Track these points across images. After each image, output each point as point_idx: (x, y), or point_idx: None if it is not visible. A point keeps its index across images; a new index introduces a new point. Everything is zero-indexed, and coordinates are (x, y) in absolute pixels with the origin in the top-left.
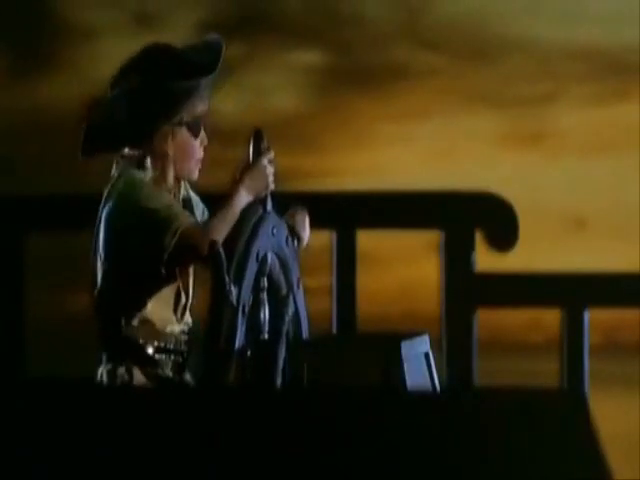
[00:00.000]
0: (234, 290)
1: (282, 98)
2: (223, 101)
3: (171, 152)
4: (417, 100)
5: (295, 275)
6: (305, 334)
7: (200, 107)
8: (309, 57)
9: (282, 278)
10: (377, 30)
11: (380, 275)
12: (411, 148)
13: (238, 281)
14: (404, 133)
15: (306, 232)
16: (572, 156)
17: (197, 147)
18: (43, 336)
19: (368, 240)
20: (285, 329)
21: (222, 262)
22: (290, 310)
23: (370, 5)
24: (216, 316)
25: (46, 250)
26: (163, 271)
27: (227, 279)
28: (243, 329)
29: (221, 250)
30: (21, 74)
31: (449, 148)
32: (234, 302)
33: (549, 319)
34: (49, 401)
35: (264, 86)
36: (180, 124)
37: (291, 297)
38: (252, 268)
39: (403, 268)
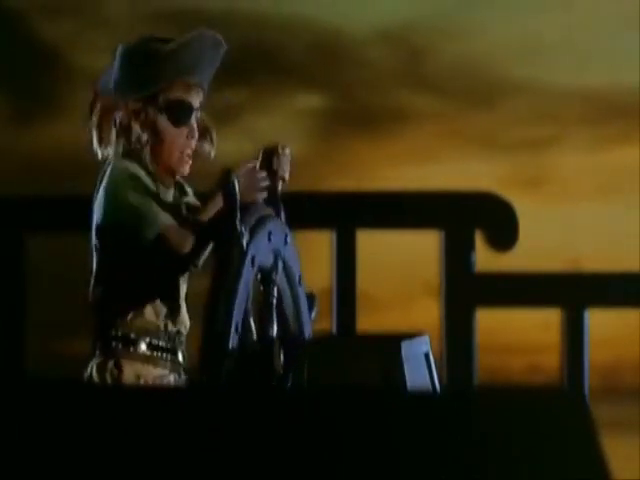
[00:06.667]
0: (245, 234)
1: (283, 141)
2: (223, 144)
3: (145, 136)
4: (418, 143)
5: (297, 272)
6: (306, 332)
7: (181, 93)
8: (310, 100)
9: (285, 280)
10: (378, 73)
11: (378, 319)
12: None
13: (236, 283)
14: (404, 176)
15: (287, 172)
16: (573, 199)
17: (179, 137)
18: (43, 336)
19: (368, 285)
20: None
21: (236, 200)
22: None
23: (371, 48)
24: (224, 257)
25: (46, 251)
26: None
27: (238, 217)
28: (250, 277)
29: (237, 186)
30: (24, 118)
31: None
32: (244, 245)
33: (549, 362)
34: (47, 402)
35: (264, 129)
36: (154, 105)
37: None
38: (247, 274)
39: (401, 312)
